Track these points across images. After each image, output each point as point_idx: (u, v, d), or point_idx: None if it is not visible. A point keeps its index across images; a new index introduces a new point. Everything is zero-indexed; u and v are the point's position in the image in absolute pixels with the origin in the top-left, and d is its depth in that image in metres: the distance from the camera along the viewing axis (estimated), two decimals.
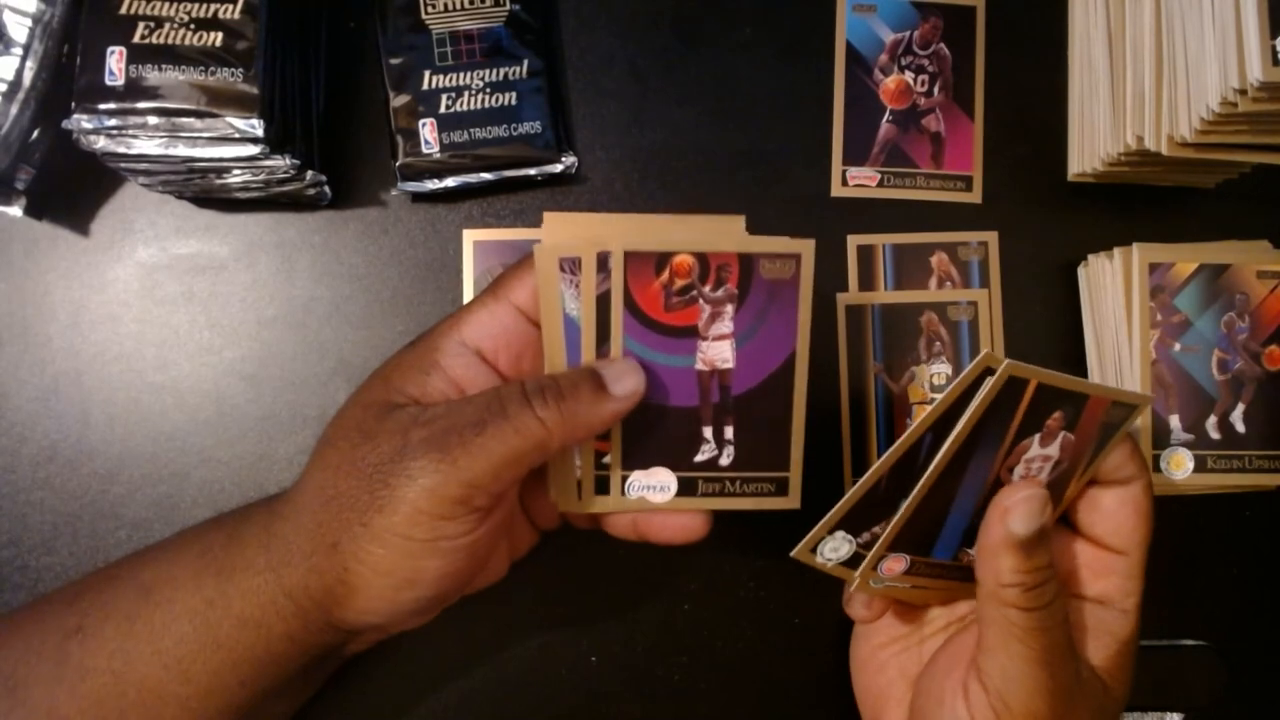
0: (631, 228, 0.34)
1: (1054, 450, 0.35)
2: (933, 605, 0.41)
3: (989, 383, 0.32)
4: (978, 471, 0.34)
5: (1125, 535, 0.36)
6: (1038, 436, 0.34)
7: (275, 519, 0.35)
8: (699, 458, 0.37)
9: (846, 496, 0.34)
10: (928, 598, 0.40)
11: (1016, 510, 0.34)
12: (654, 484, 0.36)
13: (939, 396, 0.33)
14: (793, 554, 0.36)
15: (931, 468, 0.33)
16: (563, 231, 0.34)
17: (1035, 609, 0.33)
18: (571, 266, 0.34)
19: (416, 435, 0.32)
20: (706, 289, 0.35)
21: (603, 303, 0.34)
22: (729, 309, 0.35)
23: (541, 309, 0.35)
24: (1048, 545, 0.34)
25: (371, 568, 0.33)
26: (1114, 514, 0.36)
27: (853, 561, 0.37)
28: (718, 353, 0.35)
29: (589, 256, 0.33)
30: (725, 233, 0.35)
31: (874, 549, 0.36)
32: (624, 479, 0.36)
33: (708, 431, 0.36)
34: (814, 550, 0.36)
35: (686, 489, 0.37)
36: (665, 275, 0.34)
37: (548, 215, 0.34)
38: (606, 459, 0.36)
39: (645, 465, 0.36)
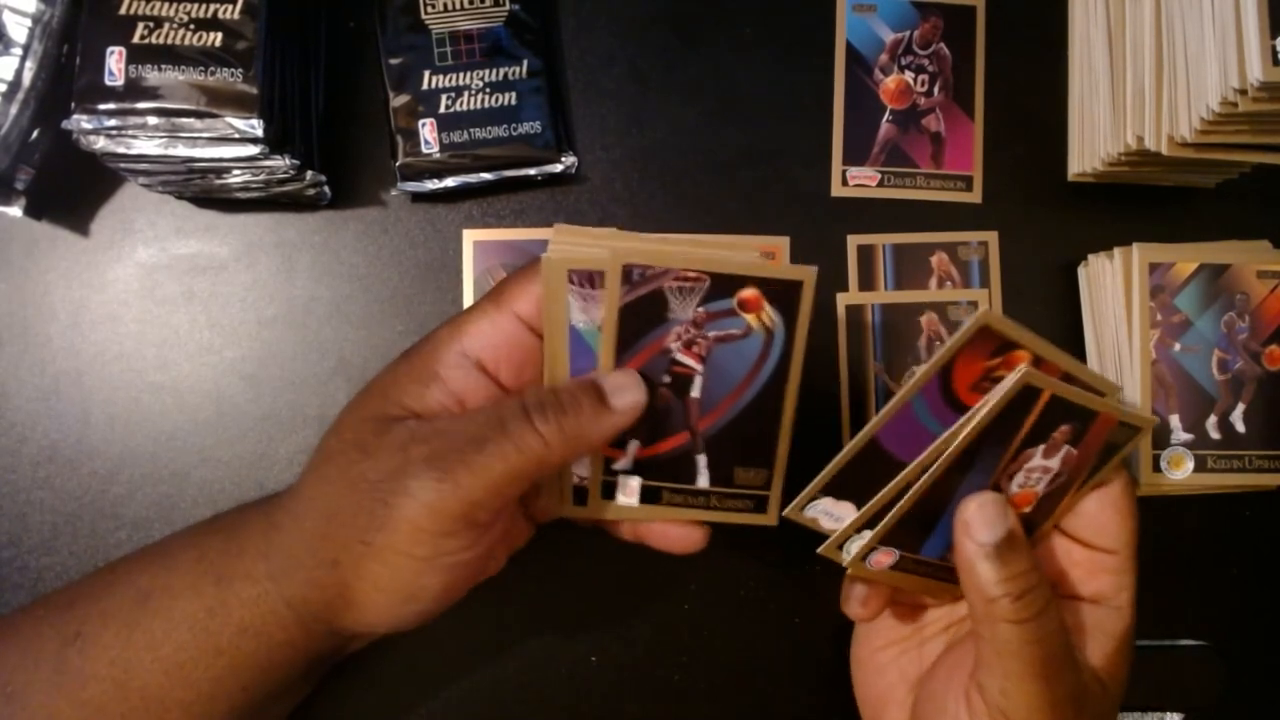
0: (639, 244, 0.34)
1: (1055, 463, 0.35)
2: (927, 601, 0.41)
3: (1005, 387, 0.32)
4: (980, 473, 0.35)
5: (1111, 534, 0.36)
6: (1042, 447, 0.35)
7: (273, 529, 0.35)
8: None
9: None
10: (919, 589, 0.40)
11: (974, 521, 0.34)
12: (834, 513, 0.37)
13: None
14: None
15: (937, 463, 0.34)
16: (572, 242, 0.34)
17: (1025, 620, 0.33)
18: (580, 279, 0.33)
19: (416, 452, 0.32)
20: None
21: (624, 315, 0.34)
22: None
23: (545, 321, 0.34)
24: (1024, 550, 0.34)
25: (372, 584, 0.33)
26: (1096, 515, 0.36)
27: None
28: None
29: (614, 269, 0.33)
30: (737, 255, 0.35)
31: (867, 540, 0.36)
32: (811, 498, 0.36)
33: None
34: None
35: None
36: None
37: (557, 227, 0.34)
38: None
39: (840, 495, 0.36)
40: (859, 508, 0.36)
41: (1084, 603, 0.37)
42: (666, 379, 0.35)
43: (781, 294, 0.34)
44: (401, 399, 0.34)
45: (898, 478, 0.35)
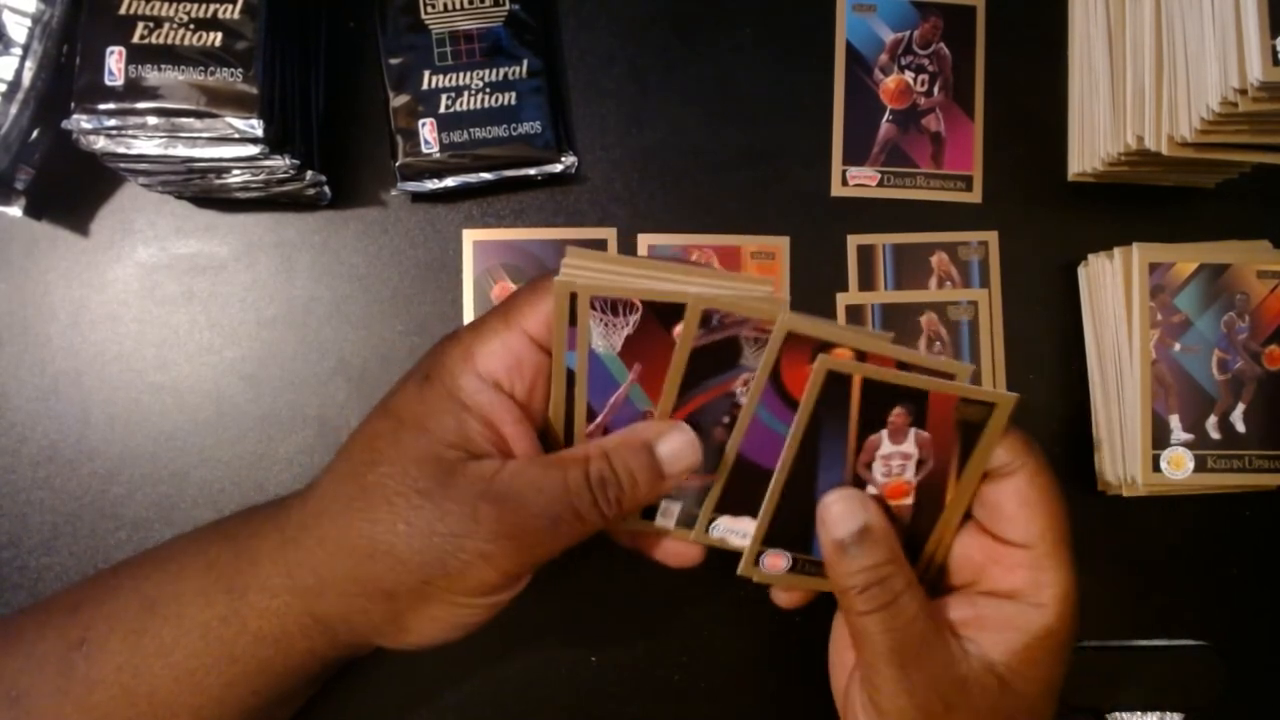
0: (659, 275, 0.34)
1: (909, 447, 0.35)
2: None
3: (811, 378, 0.33)
4: (830, 467, 0.35)
5: (1020, 527, 0.35)
6: (885, 433, 0.35)
7: (291, 545, 0.34)
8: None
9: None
10: (819, 589, 0.39)
11: (829, 517, 0.35)
12: (737, 530, 0.37)
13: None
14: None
15: (779, 464, 0.34)
16: (583, 266, 0.34)
17: (873, 611, 0.34)
18: (602, 305, 0.33)
19: (486, 513, 0.33)
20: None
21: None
22: None
23: (555, 346, 0.34)
24: (881, 544, 0.34)
25: (426, 618, 0.34)
26: (1001, 507, 0.35)
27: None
28: None
29: (694, 312, 0.33)
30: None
31: (749, 544, 0.37)
32: (710, 520, 0.37)
33: None
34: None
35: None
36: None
37: (570, 250, 0.34)
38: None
39: (735, 512, 0.37)
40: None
41: (996, 597, 0.36)
42: (725, 419, 0.35)
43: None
44: (444, 435, 0.34)
45: (769, 485, 0.36)
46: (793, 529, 0.36)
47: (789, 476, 0.35)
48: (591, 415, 0.36)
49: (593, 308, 0.33)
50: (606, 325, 0.34)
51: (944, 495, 0.36)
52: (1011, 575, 0.36)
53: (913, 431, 0.35)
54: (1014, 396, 0.34)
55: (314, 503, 0.35)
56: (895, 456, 0.35)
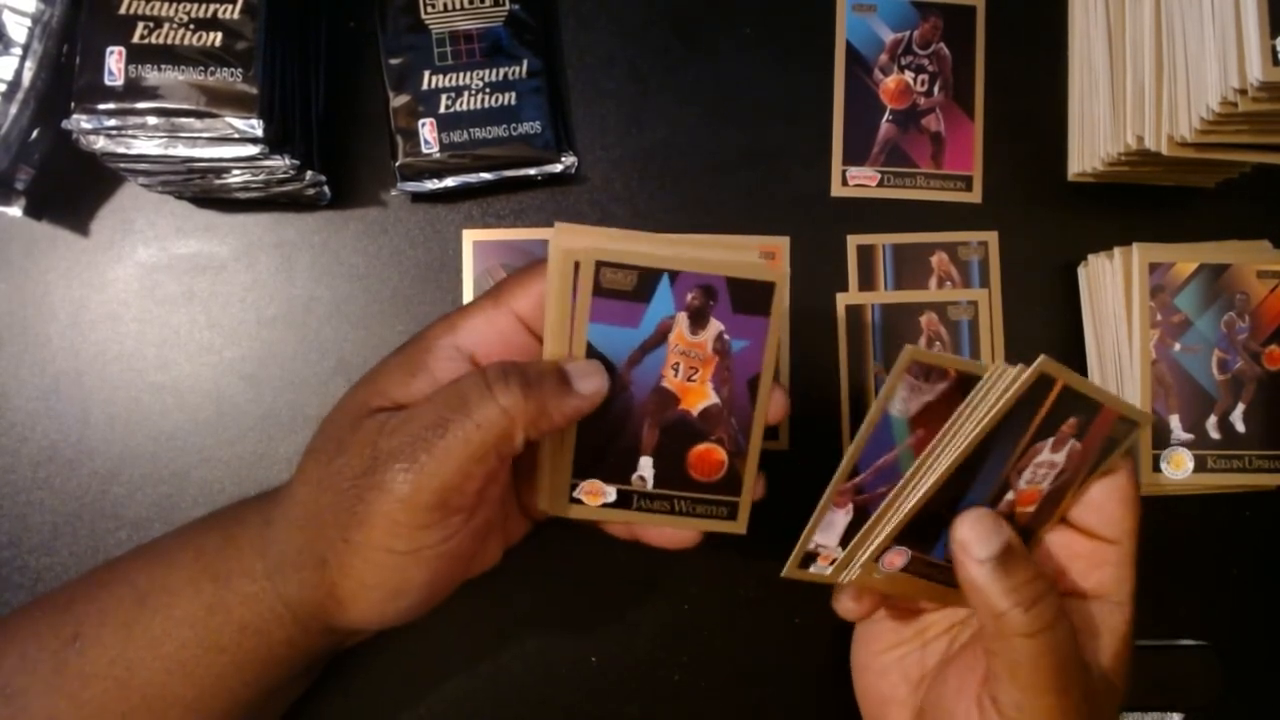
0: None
1: (1060, 458, 0.35)
2: (925, 606, 0.41)
3: (1023, 377, 0.32)
4: (992, 468, 0.34)
5: (1115, 524, 0.36)
6: (1050, 441, 0.34)
7: (268, 527, 0.35)
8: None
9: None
10: (919, 595, 0.39)
11: (969, 539, 0.34)
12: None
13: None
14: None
15: (954, 458, 0.33)
16: (576, 239, 0.33)
17: (1039, 632, 0.32)
18: (919, 371, 0.33)
19: (385, 445, 0.31)
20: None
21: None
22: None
23: (547, 314, 0.34)
24: (1024, 559, 0.34)
25: (358, 581, 0.33)
26: (1103, 504, 0.36)
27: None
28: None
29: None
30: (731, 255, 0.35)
31: (881, 538, 0.35)
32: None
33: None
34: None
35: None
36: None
37: (558, 225, 0.34)
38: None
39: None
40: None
41: (1087, 600, 0.36)
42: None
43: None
44: (387, 389, 0.34)
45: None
46: (924, 528, 0.35)
47: (953, 474, 0.34)
48: (852, 474, 0.35)
49: (908, 373, 0.33)
50: (912, 389, 0.33)
51: (1061, 503, 0.36)
52: (1097, 572, 0.36)
53: (1070, 443, 0.35)
54: (1152, 416, 0.34)
55: (289, 483, 0.35)
56: (1045, 465, 0.35)
